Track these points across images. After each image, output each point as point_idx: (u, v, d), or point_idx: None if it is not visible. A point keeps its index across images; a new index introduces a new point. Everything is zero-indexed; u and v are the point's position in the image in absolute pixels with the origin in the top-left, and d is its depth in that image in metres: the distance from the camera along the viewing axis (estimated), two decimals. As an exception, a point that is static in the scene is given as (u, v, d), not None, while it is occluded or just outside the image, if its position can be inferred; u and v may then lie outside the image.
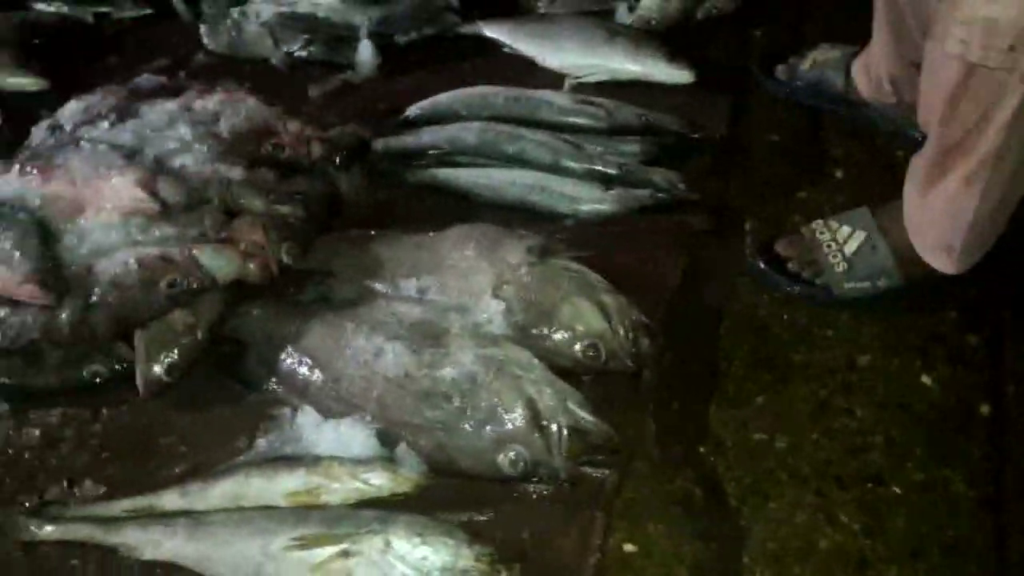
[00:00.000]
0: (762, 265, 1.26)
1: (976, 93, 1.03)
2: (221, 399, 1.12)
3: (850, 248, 1.22)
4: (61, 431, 1.11)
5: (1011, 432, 1.10)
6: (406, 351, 1.07)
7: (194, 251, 1.13)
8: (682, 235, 1.30)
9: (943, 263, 1.18)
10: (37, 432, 1.11)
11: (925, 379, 1.15)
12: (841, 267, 1.21)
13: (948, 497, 1.04)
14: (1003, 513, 1.04)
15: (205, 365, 1.15)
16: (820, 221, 1.26)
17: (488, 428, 1.01)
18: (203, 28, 1.62)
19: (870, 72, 1.42)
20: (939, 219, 1.16)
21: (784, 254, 1.25)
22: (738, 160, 1.42)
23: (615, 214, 1.31)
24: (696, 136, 1.41)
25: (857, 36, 1.44)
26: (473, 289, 1.14)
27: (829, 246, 1.23)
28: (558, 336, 1.10)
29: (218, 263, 1.13)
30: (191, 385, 1.13)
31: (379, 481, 0.99)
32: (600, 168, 1.34)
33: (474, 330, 1.09)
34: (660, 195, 1.32)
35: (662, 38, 1.55)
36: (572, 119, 1.41)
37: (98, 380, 1.13)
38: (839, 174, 1.39)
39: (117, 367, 1.13)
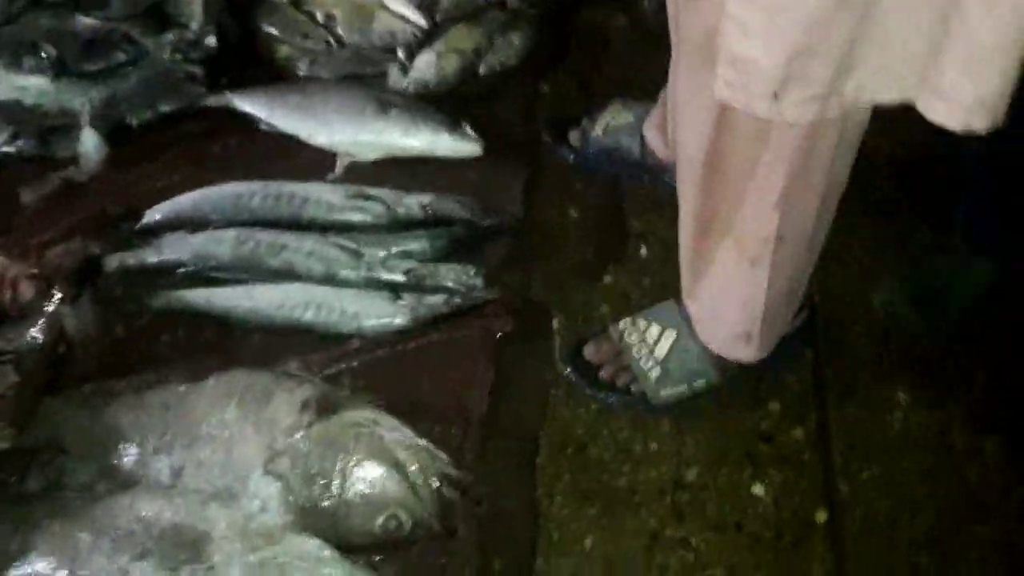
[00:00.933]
0: (573, 375, 1.13)
1: (743, 149, 0.86)
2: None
3: (661, 351, 1.11)
4: None
5: (849, 538, 1.03)
6: (158, 571, 0.85)
7: None
8: (486, 343, 1.15)
9: (744, 352, 1.08)
10: None
11: (756, 489, 1.06)
12: (655, 373, 1.11)
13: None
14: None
15: None
16: (628, 320, 1.14)
17: (270, 661, 0.82)
18: None
19: (664, 131, 1.32)
20: (726, 308, 1.04)
21: (595, 360, 1.13)
22: (538, 244, 1.28)
23: (408, 327, 1.14)
24: (488, 223, 1.26)
25: (653, 85, 1.32)
26: (239, 466, 0.94)
27: (640, 350, 1.12)
28: (352, 513, 0.93)
29: None
30: None
31: None
32: (384, 276, 1.16)
33: (244, 526, 0.89)
34: (455, 300, 1.17)
35: (442, 104, 1.39)
36: (346, 216, 1.22)
37: None
38: (643, 252, 1.29)
39: None
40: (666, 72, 1.17)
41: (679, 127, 0.97)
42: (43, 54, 1.34)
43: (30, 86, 1.33)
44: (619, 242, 1.30)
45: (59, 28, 1.38)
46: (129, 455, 0.97)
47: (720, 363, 1.11)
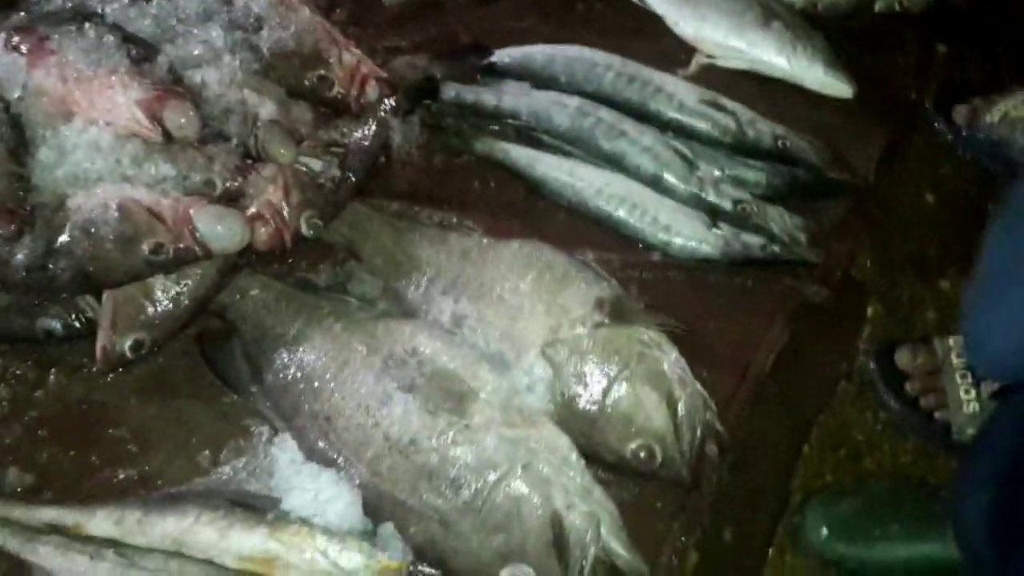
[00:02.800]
0: (875, 374, 1.02)
1: None
2: (192, 392, 0.93)
3: (990, 387, 0.97)
4: (-5, 391, 0.92)
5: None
6: (419, 409, 0.86)
7: (191, 209, 0.91)
8: (787, 306, 1.05)
9: None
10: (-34, 387, 0.92)
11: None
12: (972, 408, 0.98)
13: None
14: None
15: (185, 340, 0.96)
16: (961, 339, 1.00)
17: (497, 538, 0.82)
18: None
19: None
20: None
21: (905, 368, 1.01)
22: (878, 219, 1.14)
23: (713, 259, 1.06)
24: (836, 177, 1.13)
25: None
26: (519, 337, 0.92)
27: (965, 377, 0.98)
28: (609, 426, 0.89)
29: (218, 231, 0.91)
30: (162, 363, 0.95)
31: (352, 564, 0.81)
32: (710, 198, 1.08)
33: (508, 397, 0.87)
34: (773, 247, 1.07)
35: (827, 32, 1.24)
36: (692, 121, 1.13)
37: (51, 337, 0.93)
38: (997, 268, 1.12)
39: (77, 325, 0.93)
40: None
41: None
42: None
43: None
44: (971, 246, 1.13)
45: None
46: (418, 287, 0.98)
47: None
